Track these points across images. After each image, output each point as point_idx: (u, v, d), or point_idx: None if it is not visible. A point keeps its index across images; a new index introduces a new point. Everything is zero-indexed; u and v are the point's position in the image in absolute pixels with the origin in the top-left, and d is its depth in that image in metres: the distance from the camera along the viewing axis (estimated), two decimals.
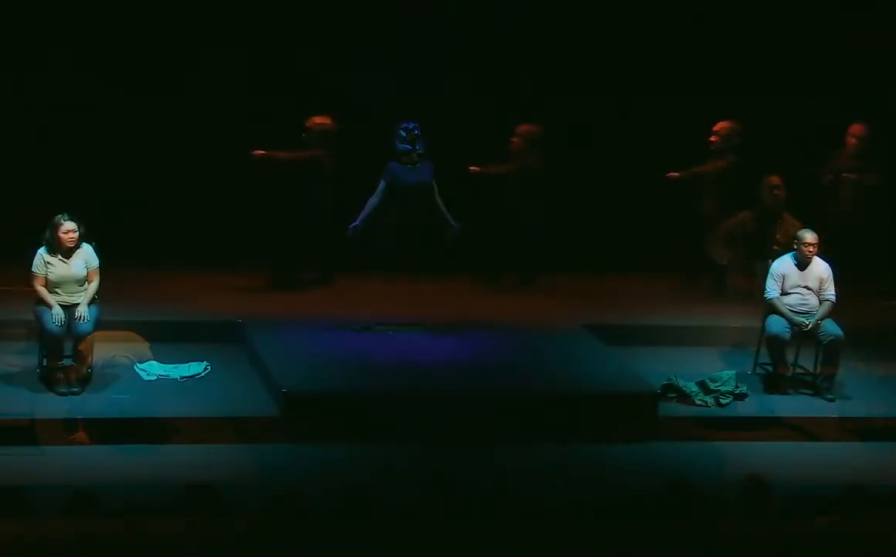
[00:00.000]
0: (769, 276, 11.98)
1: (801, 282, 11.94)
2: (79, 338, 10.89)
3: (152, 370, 11.43)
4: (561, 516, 7.59)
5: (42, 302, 10.87)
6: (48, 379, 10.93)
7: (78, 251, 10.95)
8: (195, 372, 11.49)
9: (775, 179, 12.85)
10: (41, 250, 10.93)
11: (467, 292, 13.61)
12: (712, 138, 13.62)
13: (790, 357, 12.01)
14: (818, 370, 11.98)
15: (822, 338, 11.87)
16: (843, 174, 13.71)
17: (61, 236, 10.85)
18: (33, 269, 10.90)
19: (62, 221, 10.88)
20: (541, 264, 13.89)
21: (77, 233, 10.89)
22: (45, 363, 11.00)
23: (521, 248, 13.86)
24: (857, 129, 13.75)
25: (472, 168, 13.47)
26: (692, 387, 11.66)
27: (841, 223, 13.00)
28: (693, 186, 13.64)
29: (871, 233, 13.51)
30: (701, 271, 13.90)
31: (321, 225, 13.23)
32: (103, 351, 11.27)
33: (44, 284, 10.88)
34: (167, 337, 12.02)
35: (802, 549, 7.61)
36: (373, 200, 12.18)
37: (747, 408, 11.67)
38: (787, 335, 11.83)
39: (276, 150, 13.05)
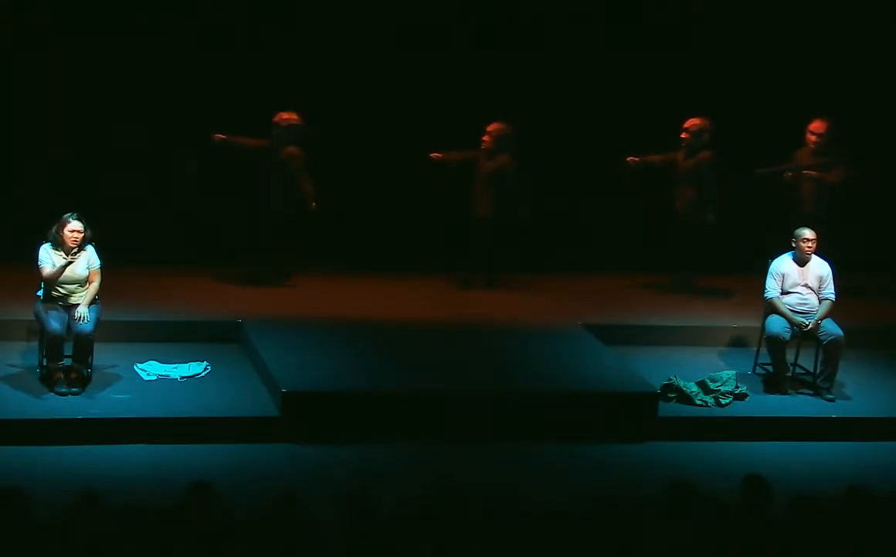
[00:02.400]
0: (769, 275, 11.97)
1: (801, 281, 11.94)
2: (79, 338, 10.89)
3: (152, 369, 11.42)
4: (561, 516, 7.59)
5: (53, 274, 10.84)
6: (48, 379, 10.92)
7: (81, 252, 10.95)
8: (195, 372, 11.49)
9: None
10: (45, 246, 10.93)
11: (466, 292, 13.60)
12: (683, 135, 13.57)
13: (790, 357, 12.02)
14: (818, 370, 11.98)
15: (822, 338, 11.87)
16: (804, 172, 13.54)
17: (66, 234, 10.85)
18: (39, 263, 10.90)
19: (69, 219, 10.89)
20: (506, 263, 13.79)
21: (83, 234, 10.90)
22: (45, 363, 10.99)
23: (489, 248, 13.68)
24: (816, 125, 13.54)
25: (433, 155, 13.35)
26: (692, 387, 11.66)
27: (804, 223, 12.90)
28: (667, 184, 13.62)
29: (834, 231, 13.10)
30: (675, 271, 13.92)
31: (289, 221, 13.19)
32: (103, 351, 11.26)
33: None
34: (167, 337, 12.02)
35: (803, 549, 7.61)
36: None
37: (747, 408, 11.67)
38: (787, 335, 11.83)
39: (239, 136, 13.03)
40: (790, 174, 13.60)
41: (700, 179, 13.50)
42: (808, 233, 11.96)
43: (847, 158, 13.49)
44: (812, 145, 13.58)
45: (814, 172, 13.49)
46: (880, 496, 8.08)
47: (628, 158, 13.51)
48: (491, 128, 13.46)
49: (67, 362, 10.95)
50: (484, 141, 13.47)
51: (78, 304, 10.89)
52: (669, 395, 11.62)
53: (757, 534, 7.66)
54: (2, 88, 13.52)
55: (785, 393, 11.90)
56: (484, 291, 13.63)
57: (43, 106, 13.55)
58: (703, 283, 13.94)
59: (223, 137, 13.00)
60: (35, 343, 11.24)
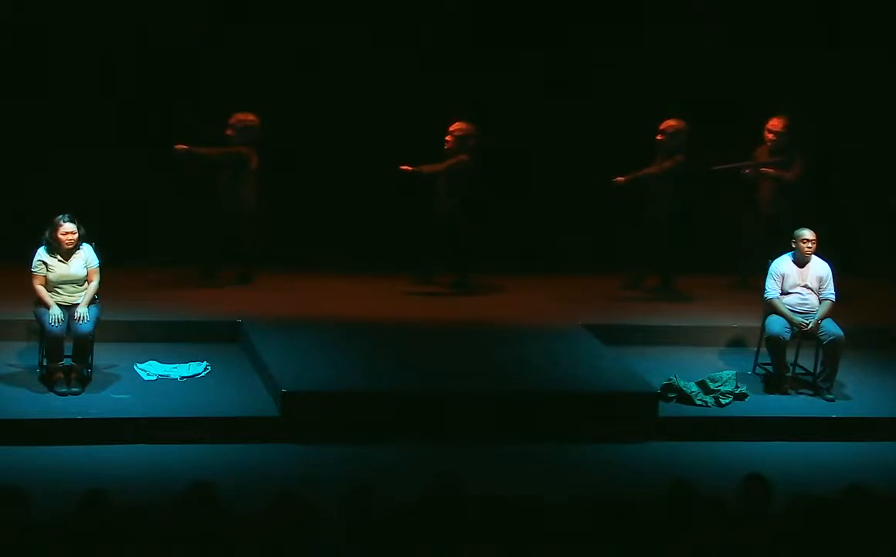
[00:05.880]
0: (769, 276, 11.98)
1: (801, 281, 11.94)
2: (79, 338, 10.88)
3: (152, 369, 11.42)
4: (561, 516, 7.58)
5: (41, 302, 10.87)
6: (48, 379, 10.93)
7: (77, 251, 10.94)
8: (195, 372, 11.49)
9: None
10: (40, 250, 10.92)
11: (465, 292, 13.60)
12: (659, 137, 13.53)
13: (790, 357, 12.02)
14: (818, 370, 11.98)
15: (822, 338, 11.87)
16: (761, 170, 13.48)
17: (60, 236, 10.85)
18: (32, 268, 10.91)
19: (62, 221, 10.87)
20: (472, 264, 13.76)
21: (76, 234, 10.89)
22: (45, 363, 11.00)
23: (451, 249, 13.66)
24: (774, 123, 13.51)
25: (403, 167, 13.25)
26: (692, 387, 11.67)
27: (763, 222, 12.81)
28: (640, 188, 13.55)
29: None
30: (647, 273, 13.89)
31: (245, 222, 13.17)
32: (103, 351, 11.26)
33: (43, 283, 10.88)
34: (167, 337, 12.02)
35: (803, 549, 7.61)
36: None
37: (747, 408, 11.67)
38: (787, 335, 11.83)
39: (199, 146, 12.97)
40: (748, 171, 13.57)
41: (672, 181, 13.47)
42: (807, 233, 11.96)
43: (804, 155, 13.43)
44: (770, 143, 13.56)
45: (771, 170, 13.46)
46: (880, 496, 8.07)
47: (616, 179, 13.37)
48: (453, 128, 13.42)
49: (67, 362, 10.95)
50: (447, 141, 13.43)
51: (77, 304, 10.89)
52: (669, 395, 11.62)
53: (757, 534, 7.66)
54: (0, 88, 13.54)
55: (785, 393, 11.90)
56: (449, 290, 13.57)
57: (42, 106, 13.56)
58: (702, 284, 13.94)
59: (184, 147, 12.92)
60: (35, 343, 11.24)
